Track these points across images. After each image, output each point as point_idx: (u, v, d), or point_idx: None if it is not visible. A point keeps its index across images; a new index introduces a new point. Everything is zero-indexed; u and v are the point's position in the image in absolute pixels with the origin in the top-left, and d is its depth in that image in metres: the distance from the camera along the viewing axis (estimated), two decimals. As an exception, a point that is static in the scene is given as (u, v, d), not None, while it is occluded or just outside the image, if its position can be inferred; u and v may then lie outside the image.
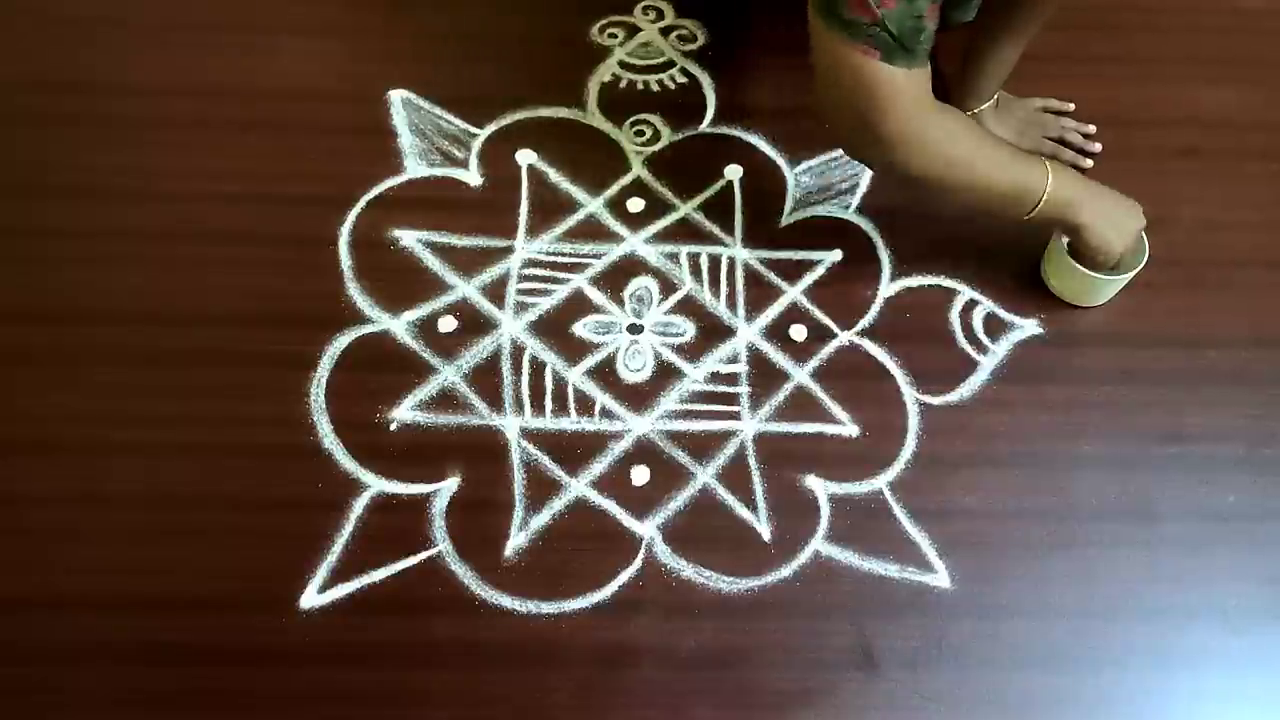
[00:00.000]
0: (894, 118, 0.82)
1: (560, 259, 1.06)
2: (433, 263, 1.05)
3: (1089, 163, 1.12)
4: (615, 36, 1.23)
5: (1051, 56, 1.14)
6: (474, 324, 1.01)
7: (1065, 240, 1.00)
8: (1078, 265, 0.99)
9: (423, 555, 0.89)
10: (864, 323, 1.03)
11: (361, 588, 0.87)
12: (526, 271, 1.05)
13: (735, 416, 0.97)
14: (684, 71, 1.20)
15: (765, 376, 1.00)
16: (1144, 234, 1.00)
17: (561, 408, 0.97)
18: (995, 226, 1.09)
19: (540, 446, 0.95)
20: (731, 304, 1.04)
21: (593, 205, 1.09)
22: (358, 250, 1.05)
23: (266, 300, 1.01)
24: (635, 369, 1.00)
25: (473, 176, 1.11)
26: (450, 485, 0.92)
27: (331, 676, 0.84)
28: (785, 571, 0.90)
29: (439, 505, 0.91)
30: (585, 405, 0.97)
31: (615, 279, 1.05)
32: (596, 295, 1.04)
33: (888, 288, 1.05)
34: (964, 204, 0.94)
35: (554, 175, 1.11)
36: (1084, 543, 0.92)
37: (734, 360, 1.01)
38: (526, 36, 1.22)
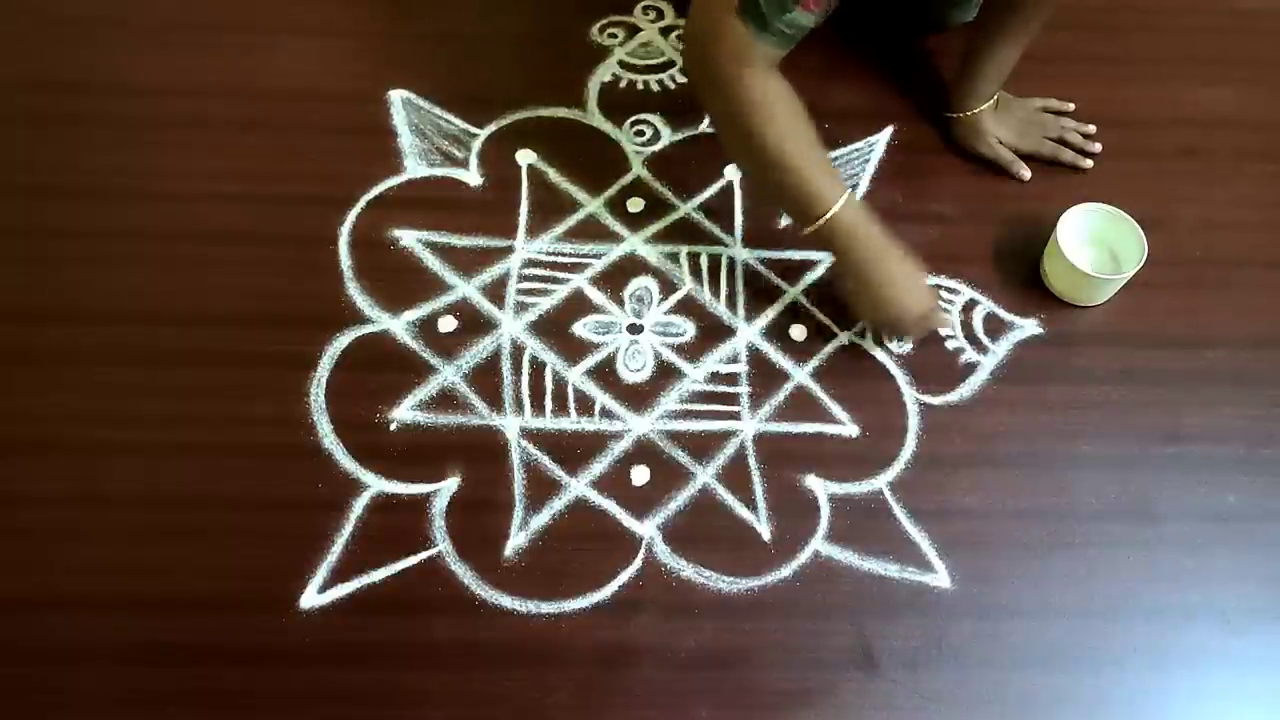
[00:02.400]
0: (718, 63, 0.86)
1: (560, 259, 1.06)
2: (433, 263, 1.05)
3: (1089, 163, 1.12)
4: (615, 36, 1.23)
5: (1051, 56, 1.14)
6: (474, 324, 1.01)
7: (1064, 239, 1.00)
8: (1076, 264, 0.99)
9: (423, 555, 0.89)
10: (864, 322, 1.03)
11: (361, 588, 0.87)
12: (526, 271, 1.05)
13: (735, 416, 0.97)
14: (684, 71, 1.20)
15: (765, 376, 1.00)
16: (1142, 233, 1.00)
17: (561, 408, 0.97)
18: (995, 227, 1.10)
19: (540, 446, 0.95)
20: (731, 304, 1.04)
21: (593, 205, 1.09)
22: (358, 250, 1.05)
23: (266, 300, 1.01)
24: (635, 369, 1.00)
25: (473, 176, 1.11)
26: (450, 485, 0.92)
27: (331, 676, 0.84)
28: (785, 571, 0.90)
29: (439, 505, 0.91)
30: (585, 405, 0.97)
31: (615, 279, 1.05)
32: (596, 295, 1.04)
33: (888, 288, 1.05)
34: (755, 180, 1.00)
35: (554, 175, 1.11)
36: (1084, 543, 0.92)
37: (734, 360, 1.01)
38: (526, 36, 1.22)
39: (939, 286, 1.05)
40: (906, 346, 1.01)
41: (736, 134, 0.90)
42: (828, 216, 0.90)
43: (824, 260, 1.07)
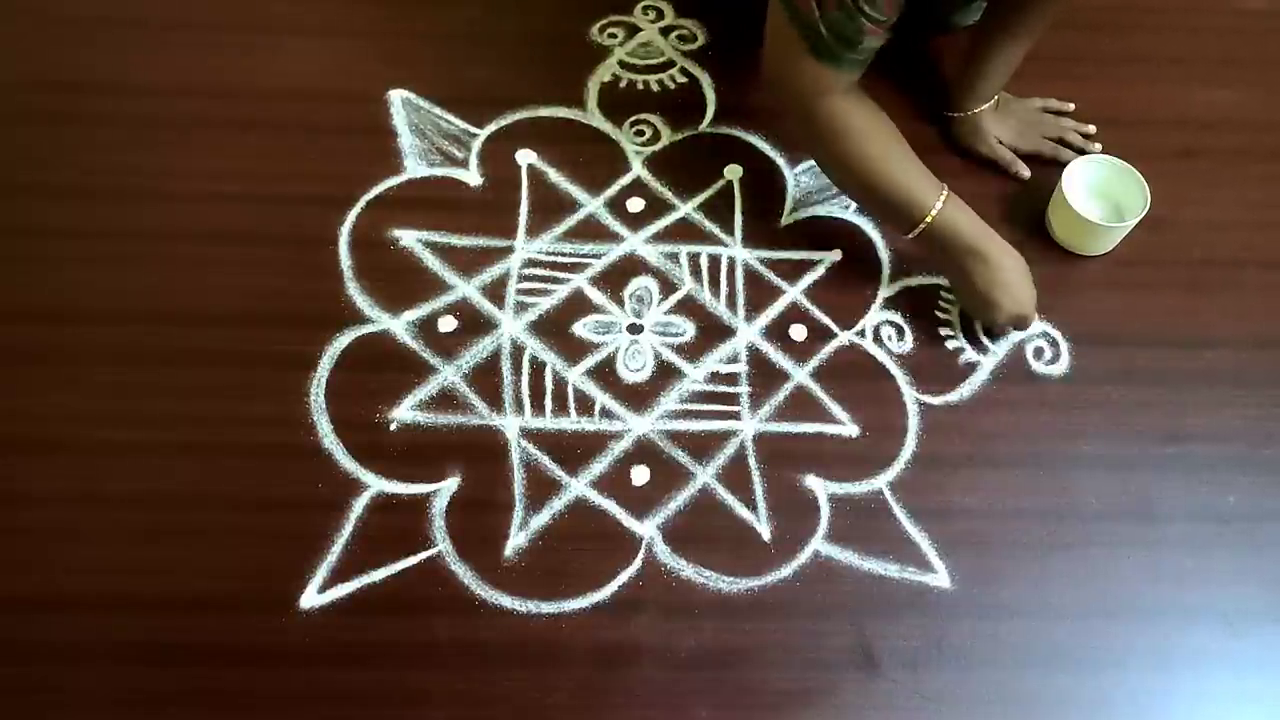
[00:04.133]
0: (798, 98, 0.92)
1: (560, 259, 1.06)
2: (433, 263, 1.05)
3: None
4: (615, 36, 1.23)
5: (1051, 56, 1.14)
6: (474, 324, 1.01)
7: (1069, 189, 1.02)
8: (1080, 212, 1.00)
9: (423, 555, 0.89)
10: (864, 323, 1.03)
11: (361, 588, 0.87)
12: (526, 271, 1.05)
13: (735, 416, 0.97)
14: (684, 71, 1.20)
15: (765, 376, 1.00)
16: (1145, 184, 1.02)
17: (561, 408, 0.97)
18: (994, 227, 1.10)
19: (540, 446, 0.95)
20: (731, 304, 1.04)
21: (593, 205, 1.09)
22: (358, 250, 1.05)
23: (266, 300, 1.01)
24: (635, 369, 1.00)
25: (473, 176, 1.11)
26: (450, 485, 0.92)
27: (331, 676, 0.84)
28: (785, 571, 0.90)
29: (439, 505, 0.91)
30: (585, 405, 0.97)
31: (615, 279, 1.05)
32: (596, 295, 1.04)
33: (888, 288, 1.05)
34: (856, 199, 1.04)
35: (554, 175, 1.11)
36: (1084, 543, 0.92)
37: (734, 360, 1.01)
38: (526, 36, 1.22)
39: (939, 288, 1.05)
40: (997, 357, 1.01)
41: (831, 161, 0.97)
42: (928, 220, 0.93)
43: (824, 260, 1.07)
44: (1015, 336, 1.02)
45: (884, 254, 1.07)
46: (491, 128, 1.14)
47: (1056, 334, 1.03)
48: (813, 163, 1.12)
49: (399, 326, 1.01)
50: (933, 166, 1.14)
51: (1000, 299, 0.95)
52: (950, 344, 1.02)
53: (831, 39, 0.85)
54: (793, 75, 0.90)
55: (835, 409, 0.98)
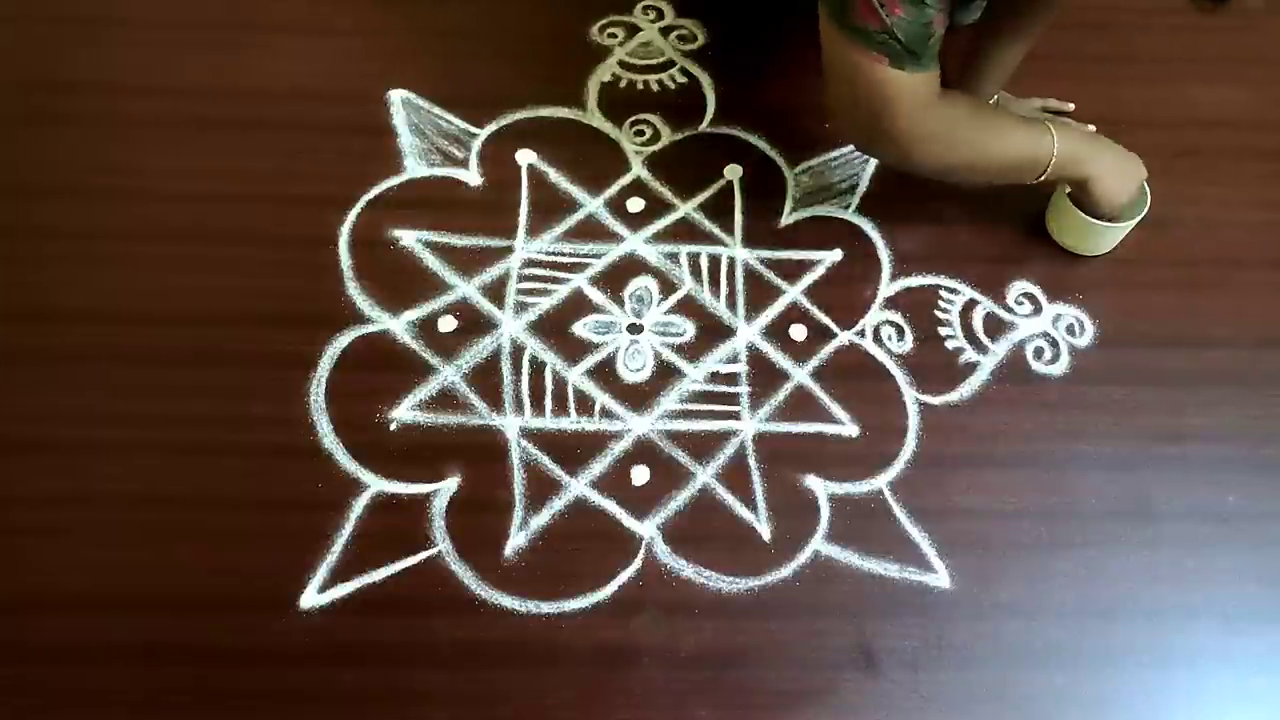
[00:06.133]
0: (903, 118, 0.87)
1: (560, 259, 1.06)
2: (433, 263, 1.05)
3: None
4: (615, 36, 1.23)
5: (1051, 56, 1.14)
6: (474, 324, 1.01)
7: (1068, 192, 1.02)
8: (1082, 214, 1.00)
9: (423, 555, 0.89)
10: (864, 323, 1.03)
11: (361, 588, 0.87)
12: (526, 271, 1.05)
13: (735, 416, 0.97)
14: (684, 71, 1.20)
15: (765, 376, 1.00)
16: (1146, 184, 1.02)
17: (561, 407, 0.97)
18: (995, 227, 1.10)
19: (540, 446, 0.95)
20: (731, 304, 1.04)
21: (593, 205, 1.09)
22: (358, 250, 1.05)
23: (266, 300, 1.01)
24: (635, 369, 1.00)
25: (473, 176, 1.11)
26: (450, 485, 0.92)
27: (331, 676, 0.84)
28: (785, 571, 0.90)
29: (439, 505, 0.91)
30: (585, 405, 0.97)
31: (615, 279, 1.05)
32: (596, 295, 1.04)
33: (888, 288, 1.05)
34: (979, 181, 1.03)
35: (554, 175, 1.11)
36: (1084, 543, 0.92)
37: (734, 360, 1.01)
38: (526, 36, 1.22)
39: (939, 288, 1.05)
40: (997, 358, 1.01)
41: (956, 165, 0.95)
42: (1053, 163, 0.95)
43: (824, 260, 1.07)
44: (1015, 337, 1.02)
45: (884, 254, 1.07)
46: (491, 128, 1.14)
47: (1056, 334, 1.03)
48: (813, 163, 1.13)
49: (399, 326, 1.01)
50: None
51: (1131, 170, 1.00)
52: (950, 344, 1.02)
53: (909, 39, 0.82)
54: (889, 104, 0.86)
55: (835, 409, 0.98)
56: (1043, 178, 0.97)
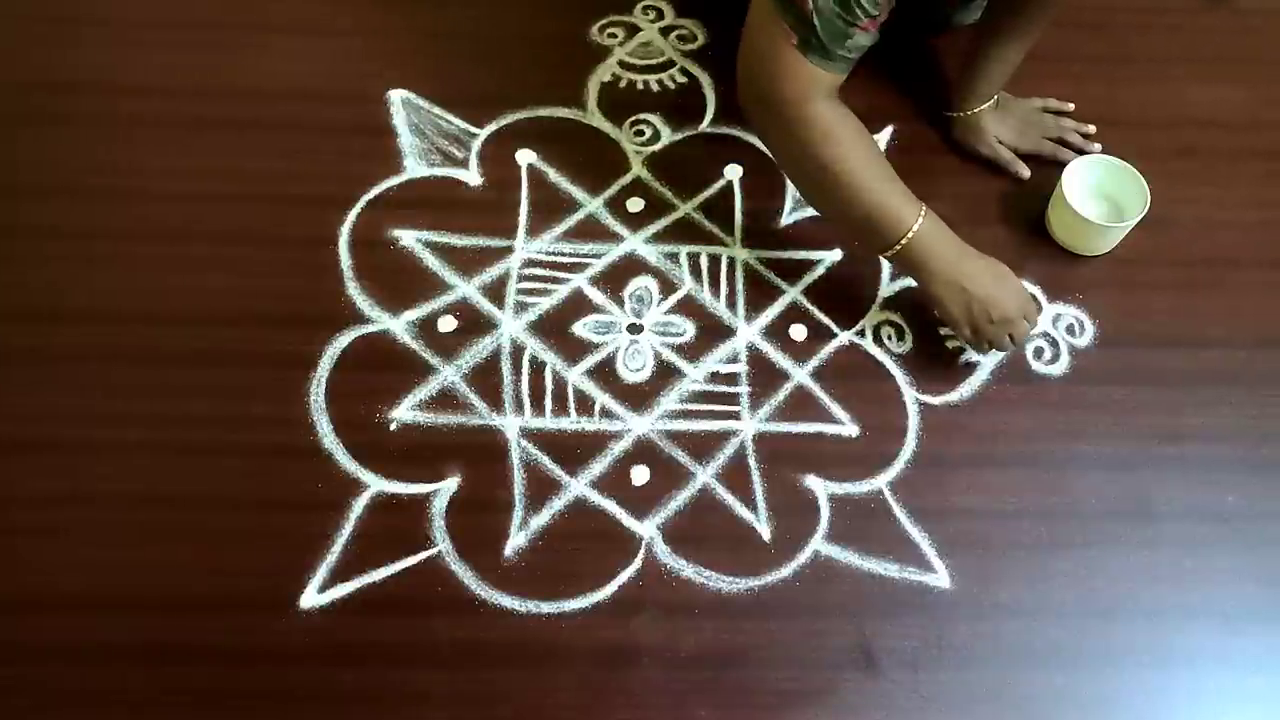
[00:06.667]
0: (782, 100, 0.87)
1: (560, 259, 1.06)
2: (433, 263, 1.05)
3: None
4: (615, 36, 1.23)
5: (1051, 56, 1.14)
6: (474, 324, 1.01)
7: (1069, 190, 1.02)
8: (1082, 214, 1.00)
9: (423, 555, 0.89)
10: (864, 323, 1.03)
11: (361, 588, 0.87)
12: (526, 271, 1.05)
13: (735, 416, 0.97)
14: (684, 71, 1.20)
15: (765, 376, 1.00)
16: (1145, 184, 1.02)
17: (561, 407, 0.97)
18: (995, 227, 1.10)
19: (540, 446, 0.95)
20: (731, 304, 1.04)
21: (593, 205, 1.09)
22: (358, 250, 1.05)
23: (266, 300, 1.01)
24: (635, 369, 1.00)
25: (473, 176, 1.11)
26: (450, 485, 0.92)
27: (331, 676, 0.84)
28: (785, 571, 0.90)
29: (439, 505, 0.91)
30: (585, 405, 0.97)
31: (615, 279, 1.05)
32: (596, 295, 1.04)
33: (888, 288, 1.05)
34: (829, 214, 0.97)
35: (554, 175, 1.11)
36: (1084, 543, 0.92)
37: (734, 360, 1.01)
38: (526, 36, 1.22)
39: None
40: (998, 357, 0.99)
41: (806, 169, 0.91)
42: (909, 237, 0.89)
43: (824, 260, 1.07)
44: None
45: (884, 254, 1.07)
46: (491, 128, 1.14)
47: (1056, 334, 1.03)
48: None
49: (399, 326, 1.01)
50: (932, 166, 1.14)
51: (992, 299, 0.91)
52: (950, 344, 1.02)
53: (825, 32, 0.82)
54: (778, 75, 0.85)
55: (835, 409, 0.98)
56: (890, 254, 0.91)
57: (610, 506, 0.92)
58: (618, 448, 0.95)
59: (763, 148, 1.13)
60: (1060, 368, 1.01)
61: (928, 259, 0.91)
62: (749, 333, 1.02)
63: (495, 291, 1.03)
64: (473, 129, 1.14)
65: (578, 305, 1.03)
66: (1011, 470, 0.95)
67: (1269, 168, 1.16)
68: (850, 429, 0.97)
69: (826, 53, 0.83)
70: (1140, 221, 1.03)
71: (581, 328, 1.01)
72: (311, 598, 0.86)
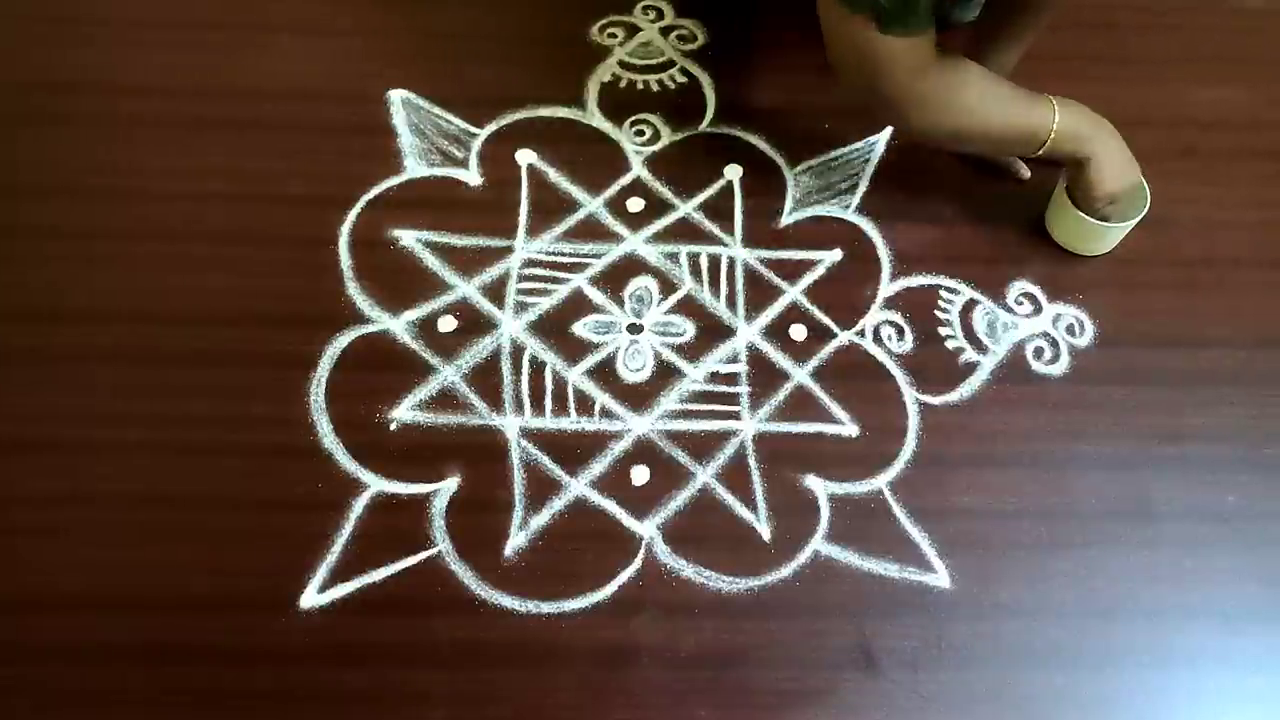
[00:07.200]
0: (895, 83, 0.89)
1: (560, 259, 1.06)
2: (433, 263, 1.05)
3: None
4: (615, 36, 1.23)
5: (1051, 56, 1.14)
6: (474, 324, 1.01)
7: (1066, 190, 1.02)
8: (1082, 214, 1.00)
9: (423, 555, 0.89)
10: (864, 323, 1.03)
11: (361, 588, 0.87)
12: (526, 271, 1.05)
13: (735, 416, 0.97)
14: (684, 71, 1.20)
15: (765, 376, 1.00)
16: (1145, 184, 1.02)
17: (561, 407, 0.97)
18: (995, 227, 1.10)
19: (540, 446, 0.95)
20: (731, 304, 1.04)
21: (593, 205, 1.09)
22: (358, 250, 1.05)
23: (266, 300, 1.01)
24: (635, 369, 1.00)
25: (473, 176, 1.11)
26: (450, 485, 0.92)
27: (331, 676, 0.84)
28: (785, 571, 0.90)
29: (439, 505, 0.91)
30: (585, 405, 0.97)
31: (615, 279, 1.05)
32: (596, 295, 1.04)
33: (888, 288, 1.05)
34: (978, 149, 1.05)
35: (554, 175, 1.11)
36: (1084, 543, 0.92)
37: (734, 360, 1.01)
38: (526, 36, 1.22)
39: (939, 288, 1.05)
40: (1005, 344, 1.02)
41: (939, 136, 0.97)
42: (1053, 136, 0.95)
43: (824, 260, 1.07)
44: (1014, 337, 1.02)
45: (884, 254, 1.07)
46: (491, 128, 1.14)
47: (1056, 334, 1.03)
48: (813, 163, 1.13)
49: (399, 326, 1.01)
50: (933, 166, 1.14)
51: (1131, 160, 0.99)
52: (950, 344, 1.02)
53: (896, 5, 0.82)
54: (877, 72, 0.87)
55: (835, 409, 0.98)
56: (1041, 152, 0.97)
57: (610, 506, 0.92)
58: (618, 448, 0.95)
59: (763, 148, 1.14)
60: (1060, 368, 1.01)
61: (1077, 135, 0.96)
62: (749, 333, 1.02)
63: (495, 291, 1.03)
64: (473, 129, 1.14)
65: (578, 305, 1.03)
66: (1011, 470, 0.95)
67: (1269, 168, 1.16)
68: (850, 429, 0.97)
69: (904, 20, 0.83)
70: (1140, 222, 1.03)
71: (581, 328, 1.02)
72: (311, 598, 0.86)
